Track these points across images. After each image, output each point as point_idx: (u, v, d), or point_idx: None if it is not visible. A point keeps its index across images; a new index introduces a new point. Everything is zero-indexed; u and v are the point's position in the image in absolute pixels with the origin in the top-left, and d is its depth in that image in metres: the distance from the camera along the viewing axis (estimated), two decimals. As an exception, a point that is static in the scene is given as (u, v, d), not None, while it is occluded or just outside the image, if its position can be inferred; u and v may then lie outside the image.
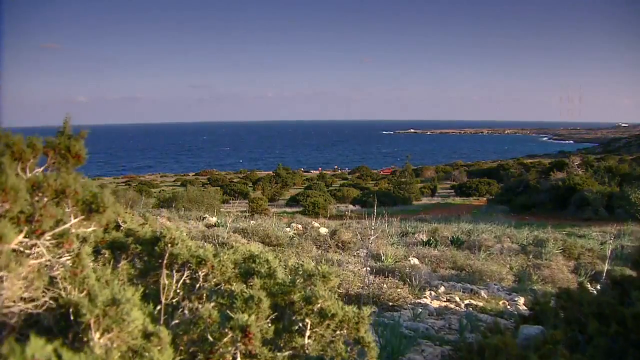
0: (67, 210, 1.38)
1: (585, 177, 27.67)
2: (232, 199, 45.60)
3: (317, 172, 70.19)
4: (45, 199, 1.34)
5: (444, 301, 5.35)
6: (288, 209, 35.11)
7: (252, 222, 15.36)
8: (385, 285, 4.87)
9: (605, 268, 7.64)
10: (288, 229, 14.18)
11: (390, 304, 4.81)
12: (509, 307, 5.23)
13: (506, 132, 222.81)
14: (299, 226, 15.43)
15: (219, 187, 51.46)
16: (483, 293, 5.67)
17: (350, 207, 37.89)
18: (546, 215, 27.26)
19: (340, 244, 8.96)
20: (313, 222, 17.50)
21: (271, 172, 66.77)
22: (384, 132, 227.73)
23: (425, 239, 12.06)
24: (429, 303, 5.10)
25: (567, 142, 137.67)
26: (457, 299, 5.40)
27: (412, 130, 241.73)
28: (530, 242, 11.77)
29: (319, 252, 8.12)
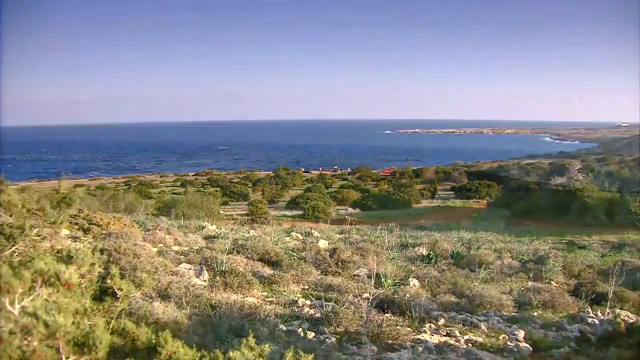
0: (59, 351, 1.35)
1: (585, 182, 27.66)
2: (232, 200, 45.54)
3: (317, 172, 70.05)
4: (35, 343, 1.31)
5: (444, 335, 5.32)
6: (288, 213, 35.04)
7: (252, 231, 15.34)
8: (384, 324, 4.84)
9: (610, 290, 7.60)
10: (288, 239, 14.16)
11: (390, 342, 4.78)
12: (509, 342, 5.20)
13: (506, 132, 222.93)
14: (299, 235, 15.41)
15: (218, 188, 51.33)
16: (483, 326, 5.64)
17: (350, 210, 37.86)
18: (547, 220, 27.19)
19: (339, 263, 8.93)
20: (313, 230, 17.46)
21: (271, 172, 66.62)
22: (385, 132, 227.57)
23: (425, 252, 12.03)
24: (429, 339, 5.07)
25: (567, 142, 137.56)
26: (457, 332, 5.37)
27: (417, 130, 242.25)
28: (531, 257, 11.73)
29: (318, 274, 8.09)
